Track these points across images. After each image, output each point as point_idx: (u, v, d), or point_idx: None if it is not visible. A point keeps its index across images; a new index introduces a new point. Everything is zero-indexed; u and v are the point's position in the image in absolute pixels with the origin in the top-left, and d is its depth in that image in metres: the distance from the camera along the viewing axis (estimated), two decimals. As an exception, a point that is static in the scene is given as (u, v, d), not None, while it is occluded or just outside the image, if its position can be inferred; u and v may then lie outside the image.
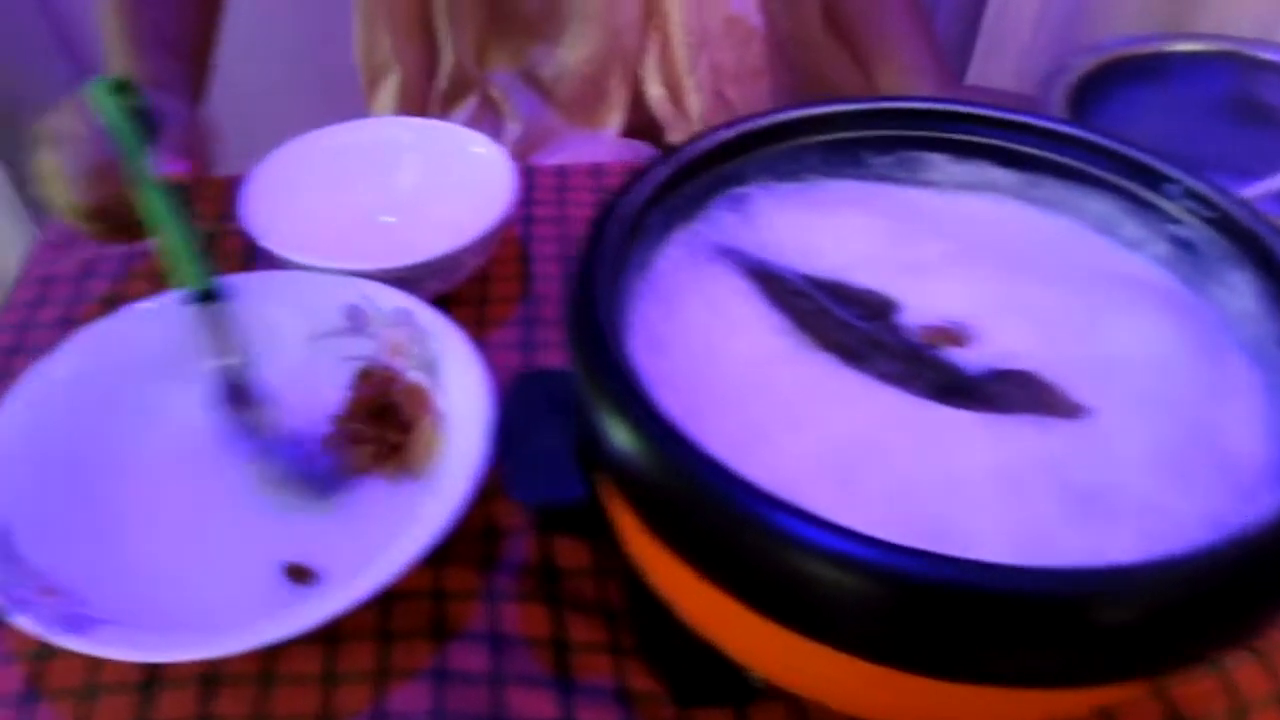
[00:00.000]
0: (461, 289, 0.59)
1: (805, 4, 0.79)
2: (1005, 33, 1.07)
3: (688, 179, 0.42)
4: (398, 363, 0.52)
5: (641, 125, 0.84)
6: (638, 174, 0.40)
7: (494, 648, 0.43)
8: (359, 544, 0.46)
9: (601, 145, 0.84)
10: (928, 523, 0.31)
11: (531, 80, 0.81)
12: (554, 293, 0.61)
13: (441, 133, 0.61)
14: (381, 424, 0.48)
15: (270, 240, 0.53)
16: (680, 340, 0.38)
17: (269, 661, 0.42)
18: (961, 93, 0.72)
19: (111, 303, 0.60)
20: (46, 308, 0.60)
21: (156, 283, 0.60)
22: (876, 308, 0.40)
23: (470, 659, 0.43)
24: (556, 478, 0.37)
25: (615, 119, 0.82)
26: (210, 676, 0.42)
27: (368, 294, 0.52)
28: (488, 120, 0.83)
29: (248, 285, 0.52)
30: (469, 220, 0.57)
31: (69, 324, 0.58)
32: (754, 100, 0.81)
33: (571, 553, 0.47)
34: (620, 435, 0.31)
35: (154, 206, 0.52)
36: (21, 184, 1.10)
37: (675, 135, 0.82)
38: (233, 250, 0.62)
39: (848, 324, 0.39)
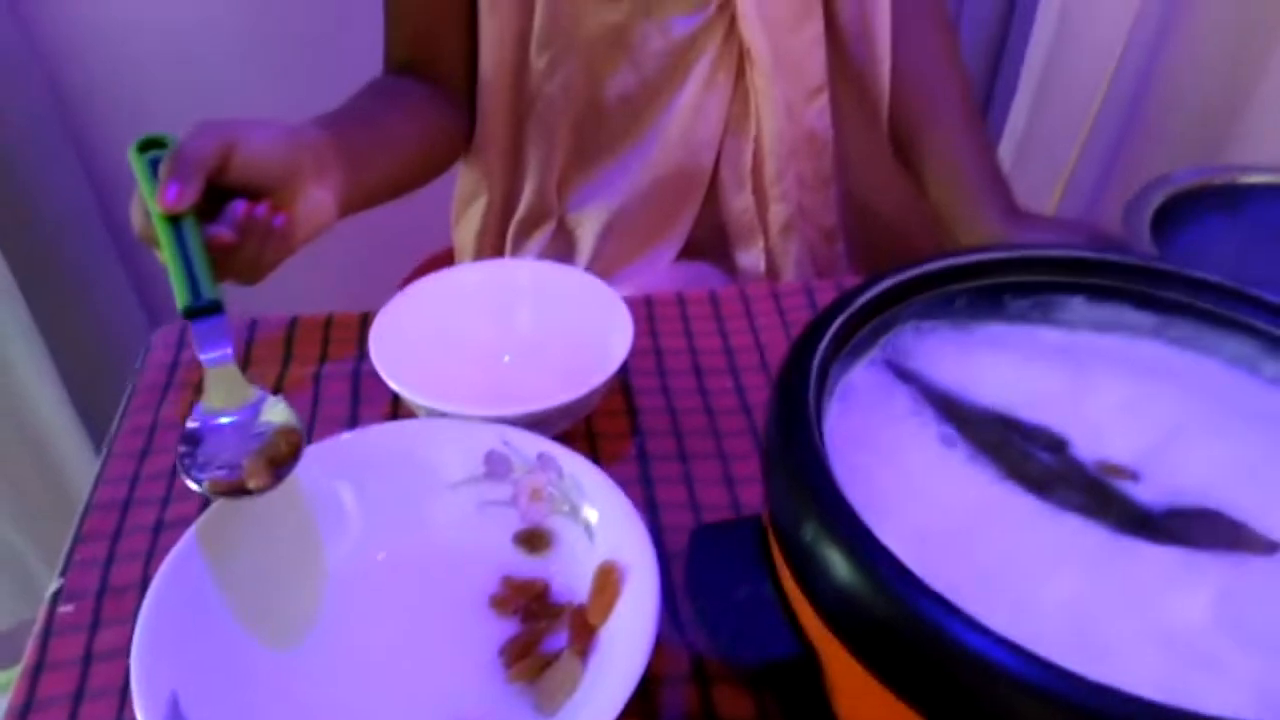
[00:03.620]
0: (570, 429, 0.60)
1: (878, 115, 0.83)
2: (1039, 158, 1.12)
3: (861, 323, 0.43)
4: (536, 508, 0.52)
5: (698, 245, 0.86)
6: (815, 324, 0.42)
7: (672, 805, 0.43)
8: (527, 702, 0.45)
9: (659, 271, 0.86)
10: (1161, 678, 0.32)
11: (602, 207, 0.84)
12: (662, 426, 0.61)
13: (555, 273, 0.62)
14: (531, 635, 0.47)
15: (407, 386, 0.53)
16: (878, 471, 0.39)
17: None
18: (1030, 222, 0.75)
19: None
20: (154, 457, 0.60)
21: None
22: (1050, 442, 0.41)
23: (651, 819, 0.42)
24: (765, 633, 0.38)
25: (677, 241, 0.85)
26: None
27: (509, 439, 0.52)
28: (559, 252, 0.85)
29: (392, 435, 0.52)
30: (581, 360, 0.58)
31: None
32: (823, 209, 0.84)
33: (733, 701, 0.46)
34: (850, 580, 0.32)
35: (163, 236, 0.56)
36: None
37: (745, 250, 0.84)
38: (373, 392, 0.63)
39: (1029, 454, 0.40)
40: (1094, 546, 0.36)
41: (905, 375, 0.44)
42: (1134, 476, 0.40)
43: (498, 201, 0.87)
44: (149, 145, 0.63)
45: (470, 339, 0.61)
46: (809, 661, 0.37)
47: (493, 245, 0.89)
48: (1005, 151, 1.22)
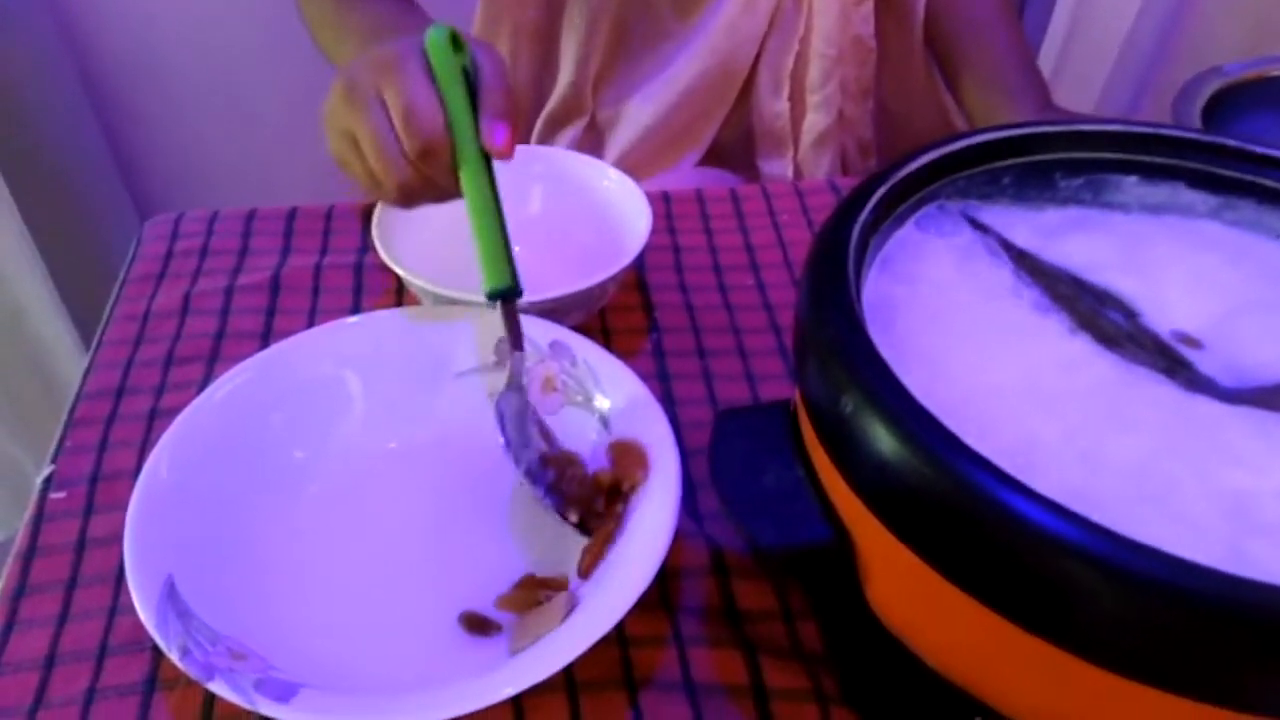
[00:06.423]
0: (584, 323, 0.57)
1: (912, 26, 0.78)
2: (1083, 56, 1.08)
3: (899, 200, 0.40)
4: (549, 399, 0.49)
5: (722, 151, 0.82)
6: (856, 194, 0.39)
7: (691, 697, 0.41)
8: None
9: (681, 175, 0.82)
10: (1226, 543, 0.30)
11: (640, 107, 0.79)
12: (679, 322, 0.59)
13: (570, 162, 0.59)
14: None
15: (413, 272, 0.50)
16: (925, 333, 0.37)
17: None
18: (1068, 117, 0.71)
19: (217, 338, 0.57)
20: (147, 345, 0.57)
21: (261, 319, 0.58)
22: (1120, 308, 0.39)
23: (669, 709, 0.41)
24: (795, 519, 0.35)
25: (702, 145, 0.81)
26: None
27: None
28: (589, 147, 0.81)
29: (397, 321, 0.50)
30: (596, 250, 0.55)
31: (174, 362, 0.56)
32: (863, 121, 0.80)
33: (754, 594, 0.45)
34: (892, 452, 0.30)
35: (472, 185, 0.47)
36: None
37: (773, 160, 0.80)
38: (376, 283, 0.60)
39: (1099, 311, 0.38)
40: (1167, 404, 0.34)
41: (979, 225, 0.41)
42: (1207, 348, 0.37)
43: (524, 90, 0.82)
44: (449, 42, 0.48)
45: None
46: (841, 546, 0.35)
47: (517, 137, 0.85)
48: (1046, 57, 1.17)
